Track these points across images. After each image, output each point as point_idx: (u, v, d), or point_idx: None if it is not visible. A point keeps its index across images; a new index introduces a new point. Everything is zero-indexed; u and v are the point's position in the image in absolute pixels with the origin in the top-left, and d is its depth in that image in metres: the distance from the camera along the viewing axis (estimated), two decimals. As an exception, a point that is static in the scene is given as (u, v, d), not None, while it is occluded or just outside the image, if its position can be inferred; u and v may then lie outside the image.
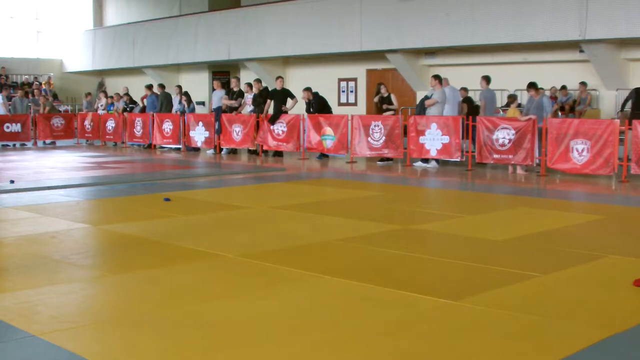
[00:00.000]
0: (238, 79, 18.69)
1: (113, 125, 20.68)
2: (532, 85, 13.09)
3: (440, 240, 6.81)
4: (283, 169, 13.90)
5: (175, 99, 19.62)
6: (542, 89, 13.57)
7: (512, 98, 14.37)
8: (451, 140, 13.54)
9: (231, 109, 17.56)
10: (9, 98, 22.82)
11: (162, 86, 20.54)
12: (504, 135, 12.91)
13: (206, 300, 4.67)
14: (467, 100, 15.27)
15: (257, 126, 16.69)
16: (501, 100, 18.07)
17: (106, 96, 22.51)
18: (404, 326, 4.11)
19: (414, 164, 14.29)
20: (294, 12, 21.14)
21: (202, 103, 25.00)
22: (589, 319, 4.26)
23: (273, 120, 16.31)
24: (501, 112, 16.28)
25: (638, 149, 11.41)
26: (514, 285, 4.98)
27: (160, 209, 8.53)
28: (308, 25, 20.60)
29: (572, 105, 16.76)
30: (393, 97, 15.32)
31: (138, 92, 23.29)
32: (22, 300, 4.60)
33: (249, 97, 17.45)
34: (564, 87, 16.90)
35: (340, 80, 21.80)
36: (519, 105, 15.17)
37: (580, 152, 11.91)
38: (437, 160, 14.13)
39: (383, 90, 15.41)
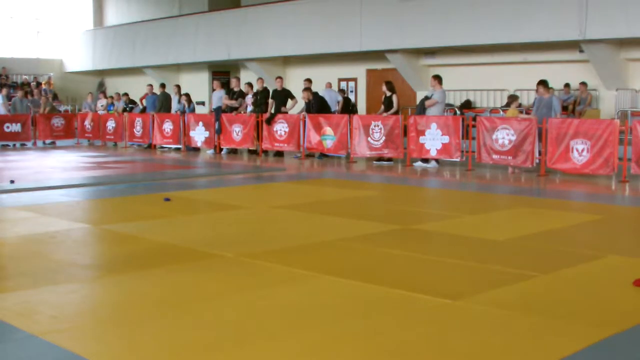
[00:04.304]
0: (238, 79, 18.69)
1: (113, 125, 20.69)
2: (542, 83, 12.80)
3: (440, 240, 6.80)
4: (283, 169, 13.90)
5: (175, 99, 19.62)
6: (552, 88, 13.45)
7: (512, 98, 14.33)
8: (451, 140, 13.53)
9: (231, 109, 17.56)
10: (8, 98, 22.83)
11: (162, 86, 20.56)
12: (503, 136, 12.90)
13: (206, 300, 4.66)
14: (347, 100, 16.99)
15: (258, 126, 16.69)
16: (501, 100, 18.08)
17: (105, 96, 22.51)
18: (403, 326, 4.11)
19: (413, 164, 14.28)
20: (294, 12, 21.13)
21: (202, 103, 24.99)
22: (589, 319, 4.25)
23: (269, 120, 16.30)
24: (501, 112, 16.28)
25: (638, 149, 11.41)
26: (514, 285, 4.97)
27: (160, 209, 8.53)
28: (308, 25, 20.59)
29: (573, 105, 16.76)
30: (395, 98, 14.74)
31: (138, 92, 23.29)
32: (22, 300, 4.60)
33: (249, 97, 17.44)
34: (567, 85, 16.85)
35: (340, 80, 21.80)
36: (520, 106, 15.15)
37: (580, 152, 11.91)
38: (437, 160, 14.12)
39: (385, 89, 15.07)
